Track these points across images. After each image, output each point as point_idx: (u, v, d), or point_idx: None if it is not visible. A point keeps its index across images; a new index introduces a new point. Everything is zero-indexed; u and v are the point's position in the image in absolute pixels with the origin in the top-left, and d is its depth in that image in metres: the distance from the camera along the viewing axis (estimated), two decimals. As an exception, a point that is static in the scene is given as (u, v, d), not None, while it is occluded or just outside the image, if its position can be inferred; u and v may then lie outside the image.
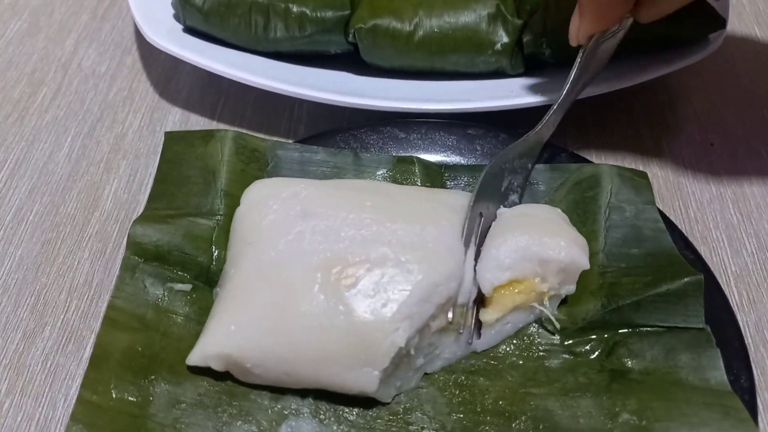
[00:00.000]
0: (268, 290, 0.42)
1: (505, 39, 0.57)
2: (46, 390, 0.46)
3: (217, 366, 0.42)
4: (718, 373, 0.41)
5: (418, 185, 0.52)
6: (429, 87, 0.60)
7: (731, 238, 0.54)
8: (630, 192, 0.49)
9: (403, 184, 0.52)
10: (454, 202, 0.47)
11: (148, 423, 0.40)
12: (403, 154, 0.53)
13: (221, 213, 0.49)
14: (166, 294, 0.45)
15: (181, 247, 0.46)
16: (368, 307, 0.40)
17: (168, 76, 0.67)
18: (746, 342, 0.43)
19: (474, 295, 0.44)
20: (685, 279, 0.43)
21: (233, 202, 0.49)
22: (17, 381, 0.47)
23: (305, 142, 0.54)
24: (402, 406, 0.43)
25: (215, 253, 0.47)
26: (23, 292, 0.51)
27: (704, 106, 0.64)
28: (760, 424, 0.44)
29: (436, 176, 0.53)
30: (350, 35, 0.59)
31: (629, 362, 0.43)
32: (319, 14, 0.58)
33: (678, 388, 0.41)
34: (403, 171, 0.52)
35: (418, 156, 0.53)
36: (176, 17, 0.63)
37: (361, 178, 0.52)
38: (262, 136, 0.56)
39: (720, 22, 0.57)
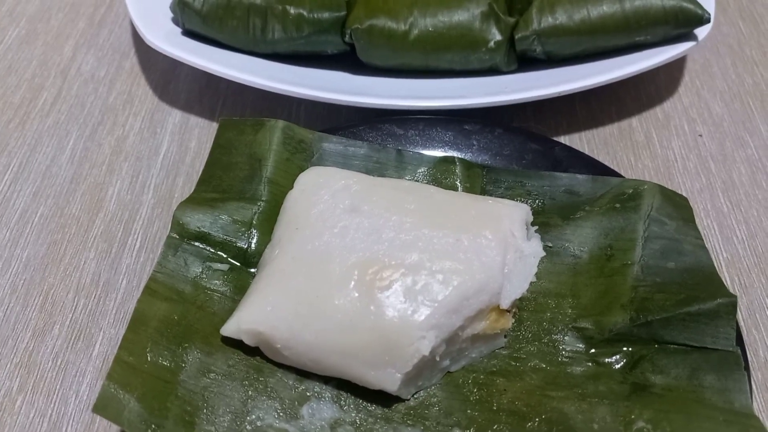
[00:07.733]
0: (307, 278, 0.43)
1: (498, 37, 0.59)
2: (57, 386, 0.47)
3: (248, 341, 0.43)
4: (743, 397, 0.40)
5: (458, 185, 0.52)
6: (425, 85, 0.61)
7: (722, 225, 0.56)
8: (671, 208, 0.48)
9: (443, 182, 0.53)
10: (498, 211, 0.47)
11: (179, 388, 0.42)
12: (444, 154, 0.54)
13: (264, 199, 0.50)
14: (204, 272, 0.47)
15: (222, 230, 0.48)
16: (398, 311, 0.41)
17: (166, 79, 0.67)
18: (740, 325, 0.44)
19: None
20: (719, 300, 0.42)
21: (276, 189, 0.51)
22: (29, 378, 0.48)
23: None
24: (420, 401, 0.43)
25: (254, 237, 0.49)
26: (31, 292, 0.52)
27: (692, 99, 0.65)
28: (755, 403, 0.45)
29: (476, 178, 0.53)
30: (347, 35, 0.60)
31: (653, 377, 0.42)
32: (315, 15, 0.60)
33: (699, 405, 0.40)
34: (443, 170, 0.53)
35: (460, 156, 0.54)
36: (174, 21, 0.64)
37: (402, 175, 0.53)
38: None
39: (705, 17, 0.59)
